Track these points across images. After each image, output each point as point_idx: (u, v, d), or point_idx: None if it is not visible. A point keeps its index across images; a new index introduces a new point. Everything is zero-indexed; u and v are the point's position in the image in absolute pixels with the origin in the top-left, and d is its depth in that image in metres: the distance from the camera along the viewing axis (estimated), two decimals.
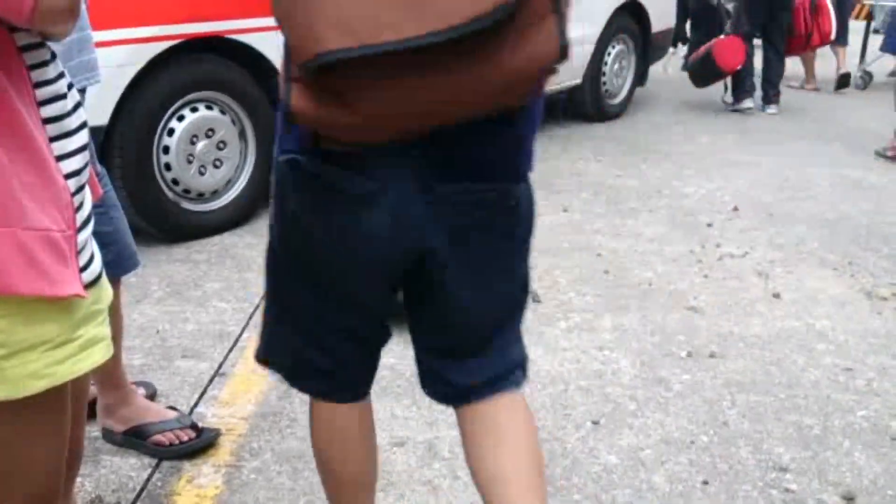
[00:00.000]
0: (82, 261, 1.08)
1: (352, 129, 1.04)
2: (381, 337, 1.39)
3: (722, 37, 5.78)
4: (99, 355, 1.10)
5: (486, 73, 1.00)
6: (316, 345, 1.33)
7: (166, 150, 3.19)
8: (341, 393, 1.38)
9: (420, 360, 1.39)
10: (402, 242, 1.19)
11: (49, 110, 1.05)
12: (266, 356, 1.41)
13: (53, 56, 1.08)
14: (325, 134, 1.07)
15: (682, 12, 6.68)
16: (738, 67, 5.76)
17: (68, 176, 1.06)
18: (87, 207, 1.11)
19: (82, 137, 1.10)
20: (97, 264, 1.12)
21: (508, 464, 1.32)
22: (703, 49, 5.85)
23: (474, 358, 1.34)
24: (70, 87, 1.11)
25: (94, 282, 1.11)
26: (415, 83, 0.99)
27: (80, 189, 1.10)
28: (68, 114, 1.08)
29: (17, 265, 0.97)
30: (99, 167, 1.78)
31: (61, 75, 1.08)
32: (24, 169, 0.99)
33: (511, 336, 1.38)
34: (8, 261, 0.96)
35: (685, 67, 6.26)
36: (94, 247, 1.13)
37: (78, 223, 1.08)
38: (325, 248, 1.21)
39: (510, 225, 1.26)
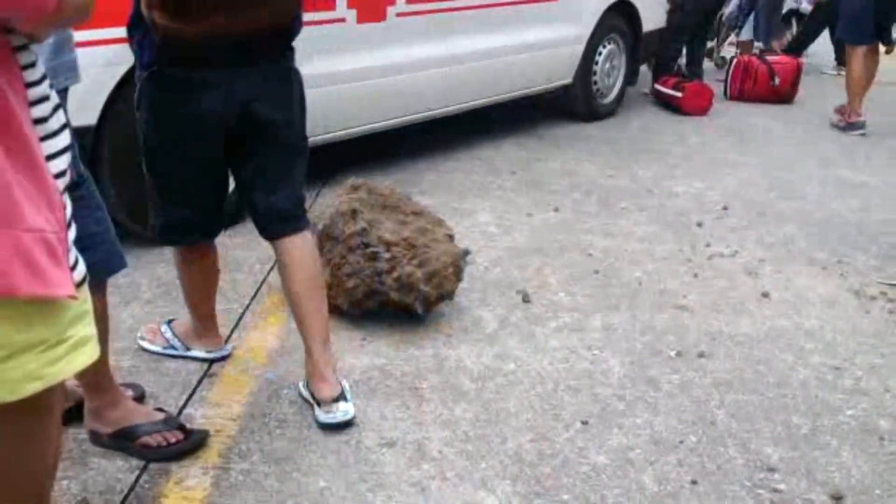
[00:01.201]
0: (70, 261, 1.08)
1: (194, 35, 1.82)
2: (227, 185, 2.20)
3: (691, 83, 6.06)
4: (88, 355, 1.11)
5: (277, 5, 1.92)
6: (191, 204, 2.11)
7: None
8: (206, 238, 2.21)
9: (251, 204, 2.13)
10: (233, 107, 1.95)
11: (37, 111, 1.06)
12: (162, 232, 2.18)
13: (36, 57, 1.09)
14: (174, 37, 1.83)
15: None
16: (705, 110, 6.01)
17: (56, 176, 1.07)
18: (69, 208, 1.12)
19: (65, 138, 1.11)
20: (82, 265, 1.13)
21: (303, 288, 2.12)
22: (670, 89, 6.07)
23: (281, 184, 2.08)
24: (50, 88, 1.11)
25: (82, 282, 1.12)
26: (233, 8, 1.84)
27: (66, 190, 1.11)
28: (51, 115, 1.09)
29: (17, 266, 0.98)
30: (82, 168, 1.77)
31: (44, 76, 1.09)
32: (21, 170, 1.00)
33: (300, 178, 2.17)
34: (9, 262, 0.97)
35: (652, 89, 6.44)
36: (74, 248, 1.14)
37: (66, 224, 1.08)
38: (186, 123, 1.94)
39: (297, 85, 2.10)
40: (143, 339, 2.46)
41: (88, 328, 1.12)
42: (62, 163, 1.09)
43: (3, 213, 0.96)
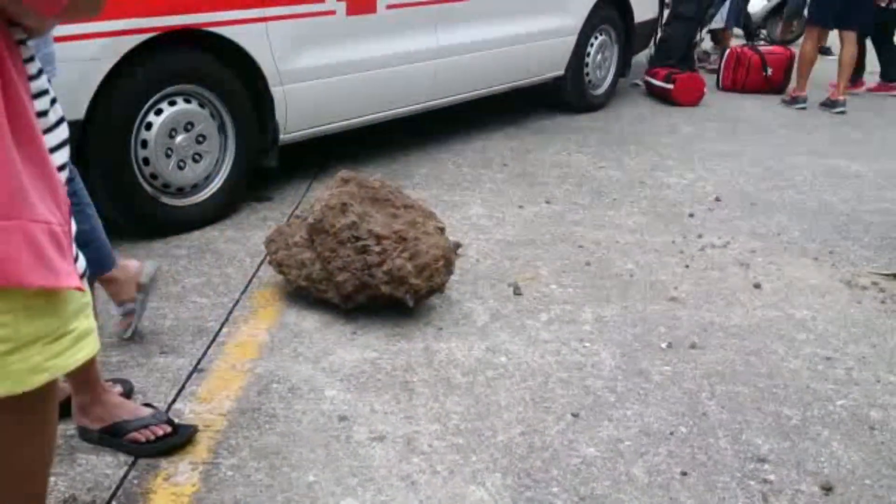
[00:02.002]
0: (73, 254, 1.09)
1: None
2: None
3: (683, 74, 6.08)
4: (90, 347, 1.13)
5: None
6: None
7: (144, 144, 3.15)
8: None
9: None
10: None
11: (38, 105, 1.07)
12: None
13: (33, 52, 1.09)
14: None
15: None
16: (696, 101, 6.02)
17: (58, 170, 1.08)
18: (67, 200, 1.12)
19: (63, 132, 1.11)
20: (82, 258, 1.14)
21: None
22: (661, 81, 6.05)
23: None
24: (48, 82, 1.12)
25: (83, 275, 1.13)
26: None
27: (65, 183, 1.11)
28: (49, 109, 1.10)
29: (26, 257, 0.98)
30: (71, 165, 1.76)
31: (41, 71, 1.10)
32: (29, 162, 1.00)
33: None
34: (18, 252, 0.97)
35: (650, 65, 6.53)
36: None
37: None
38: None
39: None
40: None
41: (89, 320, 1.13)
42: (62, 156, 1.09)
43: (13, 203, 0.97)
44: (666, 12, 6.66)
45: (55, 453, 1.81)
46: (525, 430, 2.08)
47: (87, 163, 2.95)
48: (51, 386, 1.10)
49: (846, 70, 5.96)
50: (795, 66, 6.15)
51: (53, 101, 1.11)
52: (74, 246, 1.11)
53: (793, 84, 6.20)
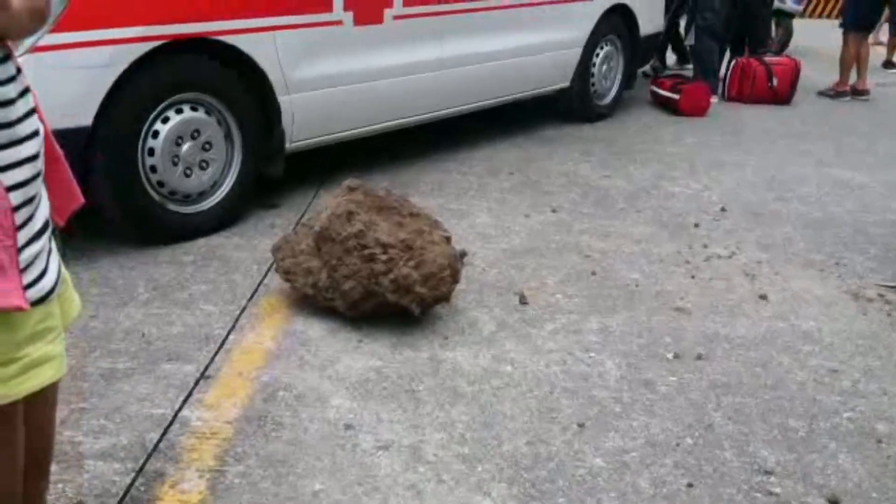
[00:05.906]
0: (29, 277, 1.03)
1: None
2: None
3: (689, 84, 6.12)
4: (49, 373, 1.07)
5: None
6: None
7: (151, 152, 3.16)
8: None
9: None
10: None
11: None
12: None
13: (6, 57, 1.03)
14: None
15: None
16: (702, 112, 6.05)
17: (13, 188, 1.01)
18: (39, 221, 1.06)
19: (32, 146, 1.04)
20: (48, 282, 1.07)
21: None
22: (667, 91, 6.08)
23: None
24: (25, 92, 1.05)
25: (43, 299, 1.06)
26: None
27: (28, 202, 1.04)
28: (18, 121, 1.03)
29: None
30: None
31: (11, 79, 1.03)
32: None
33: None
34: None
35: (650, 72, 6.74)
36: (49, 264, 1.08)
37: (23, 238, 1.02)
38: None
39: None
40: None
41: (50, 346, 1.07)
42: (23, 173, 1.03)
43: None
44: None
45: (57, 459, 1.79)
46: (531, 440, 2.08)
47: (92, 169, 2.97)
48: (5, 409, 1.05)
49: (865, 64, 6.91)
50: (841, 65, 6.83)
51: (29, 113, 1.04)
52: (44, 267, 1.05)
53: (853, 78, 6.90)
